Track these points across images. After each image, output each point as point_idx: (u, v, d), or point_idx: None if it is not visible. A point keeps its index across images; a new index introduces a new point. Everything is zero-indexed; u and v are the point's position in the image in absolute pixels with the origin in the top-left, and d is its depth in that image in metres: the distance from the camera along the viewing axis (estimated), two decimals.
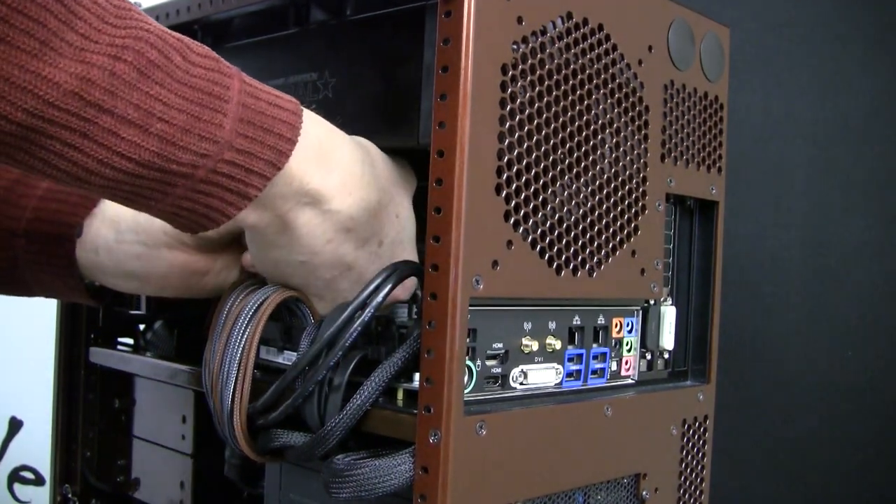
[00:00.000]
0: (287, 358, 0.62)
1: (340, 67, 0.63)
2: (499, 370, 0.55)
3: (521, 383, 0.56)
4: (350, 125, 0.61)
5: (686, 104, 0.67)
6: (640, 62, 0.62)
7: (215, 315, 0.59)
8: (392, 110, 0.59)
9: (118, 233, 0.65)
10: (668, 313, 0.69)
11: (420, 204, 0.55)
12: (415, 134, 0.56)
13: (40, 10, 0.41)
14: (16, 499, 0.85)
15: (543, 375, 0.58)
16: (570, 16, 0.56)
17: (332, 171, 0.54)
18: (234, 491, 0.74)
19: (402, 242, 0.60)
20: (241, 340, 0.56)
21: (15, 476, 0.83)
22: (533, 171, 0.54)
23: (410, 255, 0.61)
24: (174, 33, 0.48)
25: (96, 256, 0.66)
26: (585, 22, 0.57)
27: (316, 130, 0.54)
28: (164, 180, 0.48)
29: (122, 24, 0.45)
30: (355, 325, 0.52)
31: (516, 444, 0.53)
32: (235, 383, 0.55)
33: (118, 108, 0.45)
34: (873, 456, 0.88)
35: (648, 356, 0.68)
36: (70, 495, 0.82)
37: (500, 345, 0.55)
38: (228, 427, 0.56)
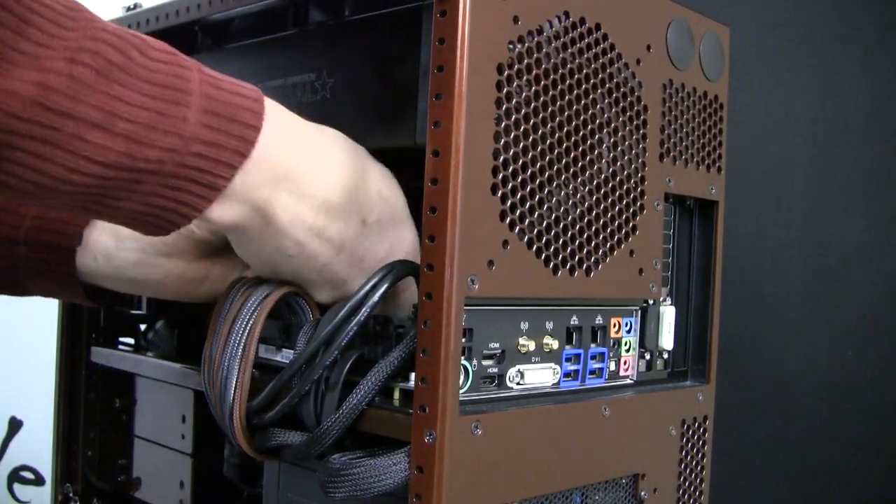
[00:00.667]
0: (285, 356, 0.62)
1: (339, 68, 0.63)
2: (495, 370, 0.55)
3: (518, 383, 0.56)
4: (348, 126, 0.61)
5: (685, 104, 0.67)
6: (638, 62, 0.62)
7: (215, 312, 0.59)
8: (389, 110, 0.59)
9: (118, 240, 0.65)
10: (668, 313, 0.69)
11: (417, 204, 0.55)
12: (412, 134, 0.56)
13: None
14: (16, 499, 0.85)
15: (540, 375, 0.58)
16: (567, 15, 0.56)
17: (300, 153, 0.53)
18: (235, 490, 0.74)
19: (392, 220, 0.59)
20: (241, 337, 0.56)
21: (15, 476, 0.83)
22: (529, 171, 0.54)
23: (408, 230, 0.60)
24: (132, 31, 0.49)
25: (96, 263, 0.66)
26: (583, 21, 0.57)
27: (279, 116, 0.54)
28: (132, 179, 0.48)
29: (77, 26, 0.45)
30: (352, 325, 0.53)
31: (512, 445, 0.53)
32: (237, 380, 0.56)
33: (80, 111, 0.45)
34: (873, 456, 0.88)
35: (647, 356, 0.68)
36: (71, 494, 0.83)
37: (497, 345, 0.55)
38: (229, 424, 0.56)
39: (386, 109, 0.59)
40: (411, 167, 0.64)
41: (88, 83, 0.45)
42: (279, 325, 0.62)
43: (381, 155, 0.59)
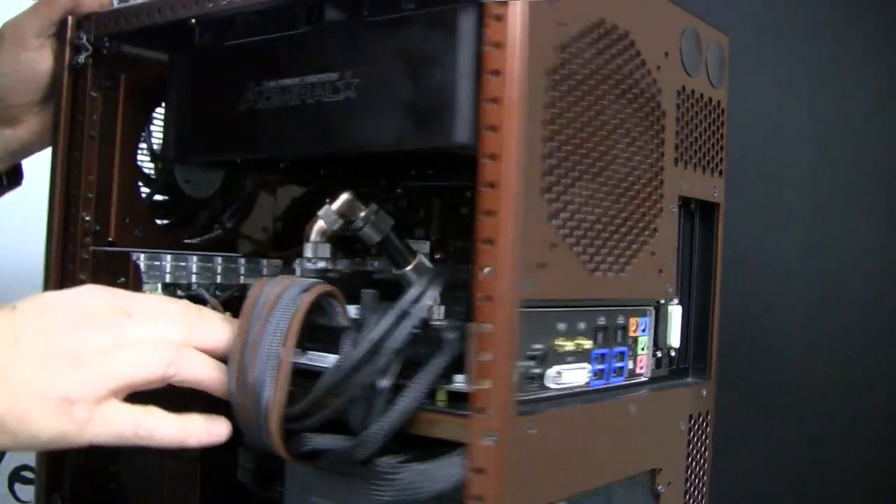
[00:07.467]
0: (311, 358, 0.61)
1: (364, 67, 0.62)
2: (537, 370, 0.56)
3: (557, 383, 0.57)
4: (376, 126, 0.60)
5: (695, 109, 0.69)
6: (658, 68, 0.63)
7: (244, 309, 0.58)
8: (423, 111, 0.58)
9: None
10: (675, 312, 0.70)
11: (447, 202, 0.55)
12: (449, 135, 0.56)
13: None
14: (17, 499, 0.82)
15: (576, 375, 0.58)
16: (602, 22, 0.57)
17: None
18: (236, 494, 0.73)
19: None
20: (276, 338, 0.55)
21: (16, 476, 0.80)
22: (573, 174, 0.54)
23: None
24: None
25: None
26: (614, 28, 0.58)
27: None
28: None
29: None
30: (404, 328, 0.52)
31: (559, 444, 0.54)
32: (275, 384, 0.54)
33: None
34: (873, 456, 0.90)
35: (658, 354, 0.70)
36: None
37: (540, 346, 0.55)
38: (263, 429, 0.55)
39: (418, 110, 0.58)
40: (443, 168, 0.64)
41: None
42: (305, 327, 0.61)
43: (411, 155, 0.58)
